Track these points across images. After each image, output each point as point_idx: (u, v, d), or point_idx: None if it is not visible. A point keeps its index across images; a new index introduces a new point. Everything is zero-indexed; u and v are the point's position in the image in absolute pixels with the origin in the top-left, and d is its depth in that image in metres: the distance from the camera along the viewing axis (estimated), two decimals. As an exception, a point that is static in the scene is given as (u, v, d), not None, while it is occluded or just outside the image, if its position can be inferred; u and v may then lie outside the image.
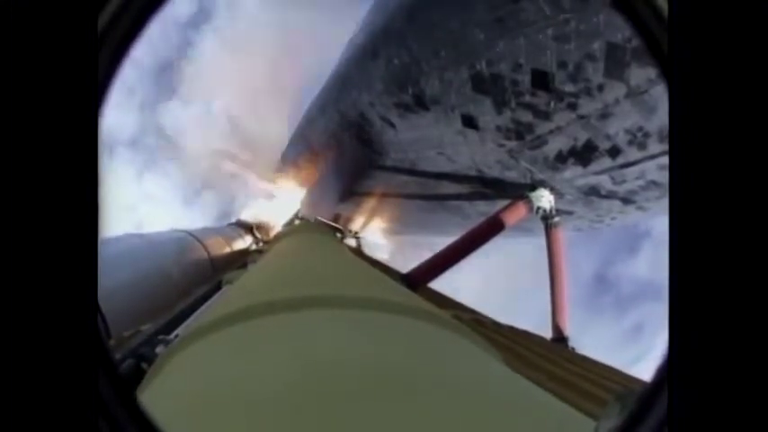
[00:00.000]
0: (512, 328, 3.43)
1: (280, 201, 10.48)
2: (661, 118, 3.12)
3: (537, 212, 4.49)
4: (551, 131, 3.69)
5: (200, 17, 14.46)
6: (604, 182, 4.06)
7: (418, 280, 4.01)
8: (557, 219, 4.57)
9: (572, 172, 4.05)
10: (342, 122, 5.96)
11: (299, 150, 8.60)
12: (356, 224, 9.11)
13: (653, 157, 3.51)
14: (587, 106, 3.31)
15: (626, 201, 4.31)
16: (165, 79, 14.77)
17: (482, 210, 5.26)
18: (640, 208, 4.38)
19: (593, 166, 3.86)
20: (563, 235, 4.69)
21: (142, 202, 14.53)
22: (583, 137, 3.61)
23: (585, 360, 3.00)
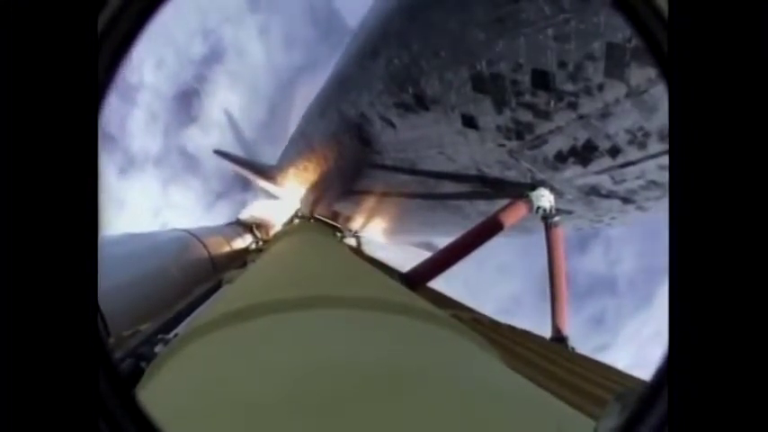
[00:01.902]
0: (511, 328, 3.43)
1: (280, 200, 10.51)
2: (661, 118, 3.12)
3: (537, 212, 4.48)
4: (551, 131, 3.69)
5: (213, 57, 17.70)
6: (604, 181, 4.06)
7: (418, 280, 4.01)
8: (557, 218, 4.56)
9: (572, 171, 4.04)
10: (342, 122, 5.96)
11: (300, 150, 8.60)
12: (356, 223, 9.12)
13: (653, 156, 3.50)
14: (587, 106, 3.30)
15: (626, 200, 4.30)
16: (185, 108, 17.69)
17: (482, 209, 5.25)
18: (640, 208, 4.38)
19: (594, 166, 3.86)
20: (563, 234, 4.69)
21: (167, 208, 17.43)
22: (583, 136, 3.61)
23: (585, 360, 3.00)
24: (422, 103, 4.28)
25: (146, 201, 17.18)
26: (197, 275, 4.86)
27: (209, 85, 17.56)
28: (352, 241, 8.96)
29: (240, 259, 5.62)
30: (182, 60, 17.56)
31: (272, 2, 17.54)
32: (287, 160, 9.80)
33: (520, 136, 3.89)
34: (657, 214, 4.50)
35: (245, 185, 12.19)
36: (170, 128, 17.51)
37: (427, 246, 10.30)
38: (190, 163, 17.40)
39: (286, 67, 17.50)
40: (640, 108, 3.12)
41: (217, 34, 17.68)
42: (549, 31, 3.00)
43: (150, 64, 17.22)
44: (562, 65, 3.13)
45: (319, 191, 8.66)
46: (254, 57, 17.84)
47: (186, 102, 17.53)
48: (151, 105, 17.17)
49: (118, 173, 17.11)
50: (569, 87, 3.24)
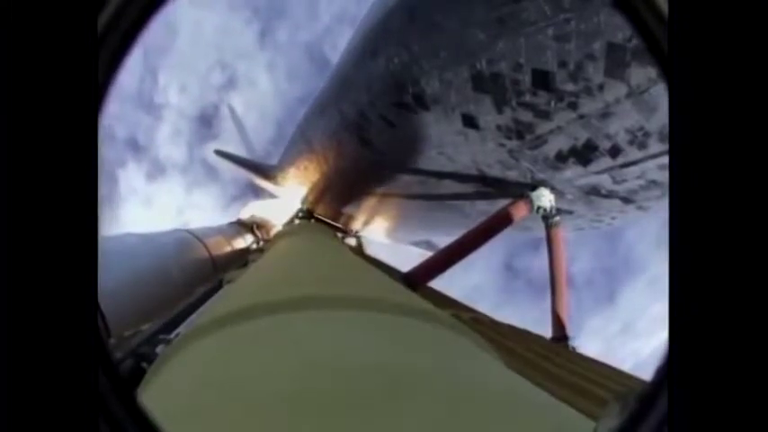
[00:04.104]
0: (511, 328, 3.43)
1: (280, 200, 10.52)
2: (661, 118, 3.12)
3: (537, 212, 4.49)
4: (552, 131, 3.69)
5: (229, 85, 21.84)
6: (605, 181, 4.06)
7: (418, 280, 4.01)
8: (557, 218, 4.57)
9: (572, 171, 4.04)
10: (342, 122, 5.96)
11: (300, 150, 8.60)
12: (357, 223, 9.12)
13: (653, 156, 3.50)
14: (588, 106, 3.31)
15: (626, 200, 4.30)
16: (206, 126, 21.73)
17: (483, 209, 5.25)
18: (641, 207, 4.38)
19: (594, 166, 3.86)
20: (563, 234, 4.70)
21: (189, 208, 20.92)
22: (583, 136, 3.61)
23: (585, 360, 3.00)
24: (422, 102, 4.28)
25: (171, 201, 21.06)
26: (198, 275, 4.86)
27: (226, 107, 20.41)
28: (352, 241, 8.97)
29: (241, 259, 5.62)
30: (203, 87, 22.27)
31: (277, 42, 22.15)
32: (287, 160, 9.80)
33: (520, 136, 3.89)
34: (658, 214, 4.50)
35: (257, 190, 12.78)
36: (193, 142, 21.50)
37: (428, 245, 10.30)
38: (210, 171, 20.50)
39: (289, 94, 21.43)
40: (640, 108, 3.12)
41: (232, 67, 22.04)
42: (550, 31, 3.00)
43: (175, 88, 21.30)
44: (562, 65, 3.13)
45: (320, 191, 8.66)
46: (263, 86, 22.28)
47: (207, 121, 21.51)
48: (176, 123, 21.35)
49: (146, 177, 20.96)
50: (570, 87, 3.24)
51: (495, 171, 4.55)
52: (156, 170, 21.23)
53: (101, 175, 0.64)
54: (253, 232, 8.19)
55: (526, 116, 3.66)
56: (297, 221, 8.87)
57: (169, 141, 21.79)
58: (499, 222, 4.42)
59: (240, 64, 22.68)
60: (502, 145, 4.10)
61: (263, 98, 22.07)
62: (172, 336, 2.35)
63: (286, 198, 10.20)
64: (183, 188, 21.79)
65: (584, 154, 3.77)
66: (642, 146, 3.44)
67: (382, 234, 9.80)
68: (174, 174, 21.93)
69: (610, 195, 4.28)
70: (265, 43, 22.29)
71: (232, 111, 17.86)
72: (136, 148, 21.15)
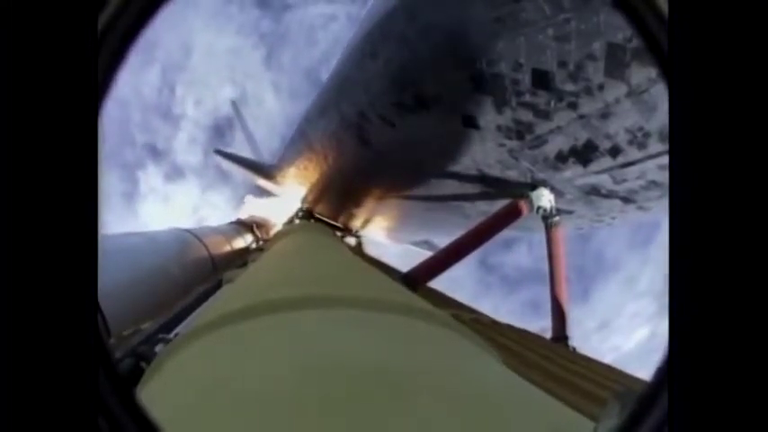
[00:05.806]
0: (511, 328, 3.43)
1: (279, 199, 10.53)
2: (661, 118, 3.12)
3: (537, 212, 4.48)
4: (552, 131, 3.68)
5: (239, 101, 23.40)
6: (605, 181, 4.06)
7: (418, 280, 4.01)
8: (557, 218, 4.57)
9: (572, 171, 4.04)
10: (342, 122, 5.96)
11: (300, 150, 8.60)
12: (356, 223, 9.12)
13: (653, 156, 3.50)
14: (588, 106, 3.30)
15: (626, 200, 4.30)
16: (220, 135, 23.93)
17: (482, 209, 5.25)
18: (641, 208, 4.38)
19: (594, 166, 3.86)
20: (563, 234, 4.69)
21: (204, 207, 23.13)
22: (583, 136, 3.61)
23: (585, 360, 3.00)
24: (422, 103, 4.27)
25: (187, 201, 23.58)
26: (197, 275, 4.86)
27: (236, 121, 22.44)
28: (352, 241, 8.97)
29: (240, 259, 5.62)
30: (216, 101, 24.57)
31: (281, 64, 24.83)
32: (287, 160, 9.80)
33: (520, 136, 3.89)
34: (657, 215, 4.50)
35: (265, 192, 13.07)
36: (207, 149, 23.10)
37: (427, 245, 10.31)
38: (223, 176, 22.40)
39: (292, 112, 22.30)
40: (640, 108, 3.12)
41: (242, 85, 24.86)
42: (550, 31, 3.00)
43: (191, 101, 23.69)
44: (562, 65, 3.13)
45: (319, 190, 8.66)
46: (269, 104, 24.63)
47: (220, 131, 23.75)
48: (192, 131, 23.86)
49: (164, 178, 23.41)
50: (569, 87, 3.24)
51: (495, 171, 4.55)
52: (174, 172, 24.10)
53: (101, 176, 0.64)
54: (252, 232, 8.20)
55: (526, 116, 3.66)
56: (297, 221, 8.88)
57: (186, 148, 24.64)
58: (499, 222, 4.42)
59: (248, 83, 25.53)
60: (502, 145, 4.10)
61: (270, 115, 24.48)
62: (171, 335, 2.35)
63: (286, 197, 10.21)
64: (198, 189, 24.72)
65: (584, 154, 3.77)
66: (642, 146, 3.44)
67: (382, 234, 9.80)
68: (191, 176, 24.80)
69: (610, 195, 4.28)
70: (271, 65, 25.41)
71: (235, 108, 19.18)
72: (155, 152, 24.03)
